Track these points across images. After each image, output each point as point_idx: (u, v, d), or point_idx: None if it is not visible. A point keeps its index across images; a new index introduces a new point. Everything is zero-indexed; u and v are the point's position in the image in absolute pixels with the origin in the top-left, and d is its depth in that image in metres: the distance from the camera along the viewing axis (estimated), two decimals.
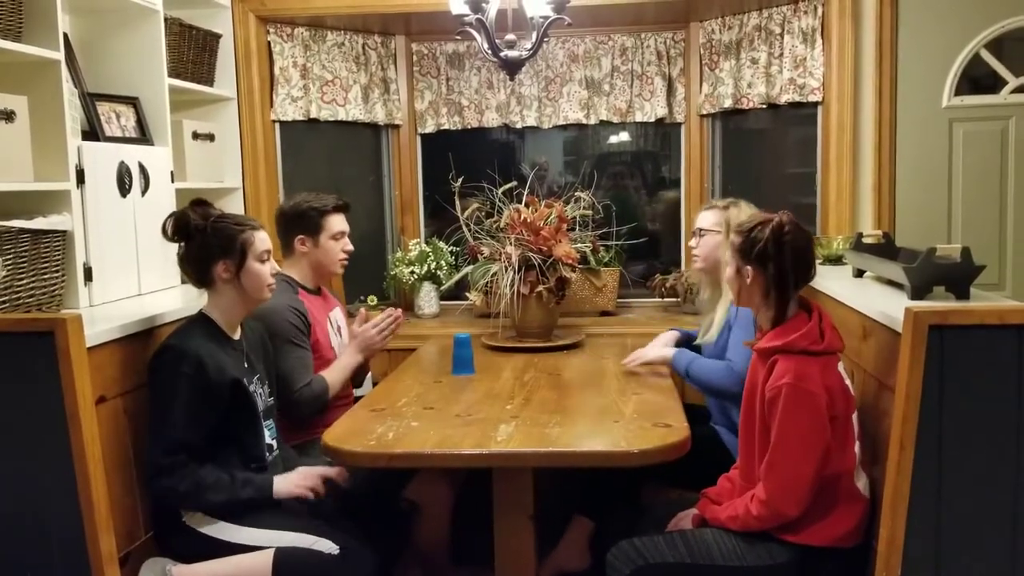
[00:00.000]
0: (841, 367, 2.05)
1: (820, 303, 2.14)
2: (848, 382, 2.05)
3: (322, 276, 2.86)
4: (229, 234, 2.22)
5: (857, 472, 2.04)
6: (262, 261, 2.26)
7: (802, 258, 2.07)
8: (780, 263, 2.04)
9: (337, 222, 2.80)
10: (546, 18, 2.90)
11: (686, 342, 2.86)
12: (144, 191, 2.80)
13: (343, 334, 2.91)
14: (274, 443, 2.36)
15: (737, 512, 2.05)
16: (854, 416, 2.04)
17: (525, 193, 3.24)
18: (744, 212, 2.70)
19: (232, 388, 2.18)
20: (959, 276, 2.22)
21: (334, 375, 2.69)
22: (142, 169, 2.80)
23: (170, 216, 2.24)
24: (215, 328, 2.24)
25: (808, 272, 2.09)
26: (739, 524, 2.04)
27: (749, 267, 2.07)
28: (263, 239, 2.28)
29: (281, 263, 2.85)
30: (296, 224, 2.77)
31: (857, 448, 2.04)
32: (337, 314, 2.92)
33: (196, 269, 2.25)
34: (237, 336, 2.31)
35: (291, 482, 2.22)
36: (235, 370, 2.20)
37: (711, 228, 2.71)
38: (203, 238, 2.21)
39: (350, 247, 2.85)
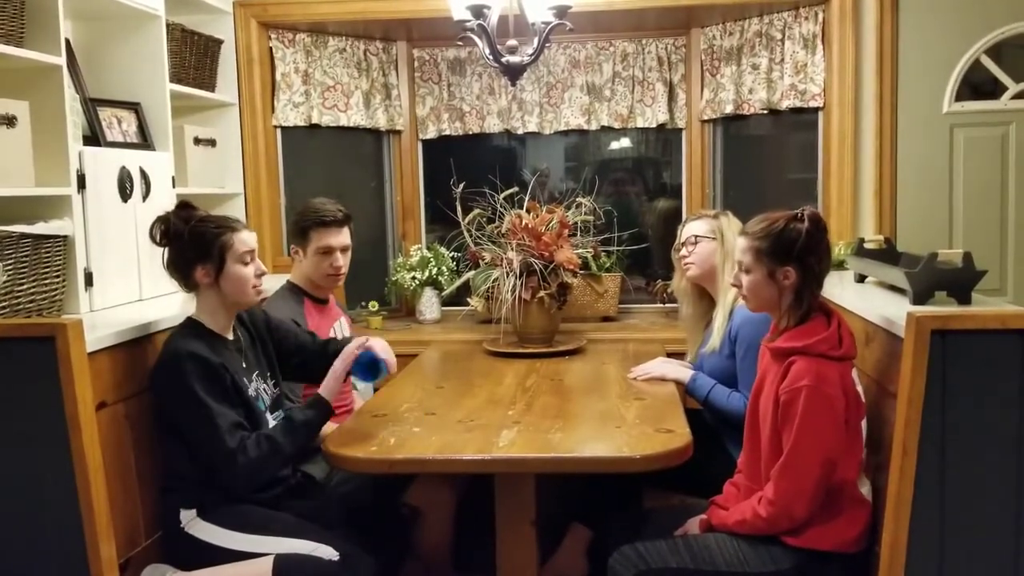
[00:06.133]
0: (855, 373, 2.04)
1: None
2: (860, 388, 2.04)
3: (319, 288, 2.83)
4: (207, 238, 2.19)
5: (861, 478, 2.03)
6: (244, 263, 2.21)
7: (829, 247, 2.08)
8: (820, 254, 2.04)
9: (324, 236, 2.73)
10: (547, 24, 2.91)
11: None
12: (145, 196, 2.80)
13: None
14: None
15: (744, 516, 2.04)
16: (863, 422, 2.03)
17: (526, 198, 3.24)
18: (733, 221, 2.71)
19: (232, 379, 2.17)
20: (961, 281, 2.22)
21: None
22: (143, 174, 2.80)
23: (155, 220, 2.22)
24: (205, 331, 2.22)
25: (830, 262, 2.10)
26: (746, 528, 2.03)
27: (789, 267, 2.02)
28: (244, 240, 2.22)
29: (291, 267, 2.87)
30: (291, 232, 2.81)
31: (864, 454, 2.03)
32: (342, 324, 2.92)
33: (179, 274, 2.23)
34: (231, 336, 2.30)
35: (333, 387, 2.26)
36: (231, 367, 2.20)
37: (706, 235, 2.71)
38: (181, 242, 2.19)
39: (339, 263, 2.76)
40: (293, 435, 2.15)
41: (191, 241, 2.18)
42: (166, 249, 2.22)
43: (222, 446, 2.06)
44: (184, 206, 2.24)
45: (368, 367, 2.28)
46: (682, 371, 2.71)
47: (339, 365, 2.26)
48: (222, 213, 2.32)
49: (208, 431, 2.07)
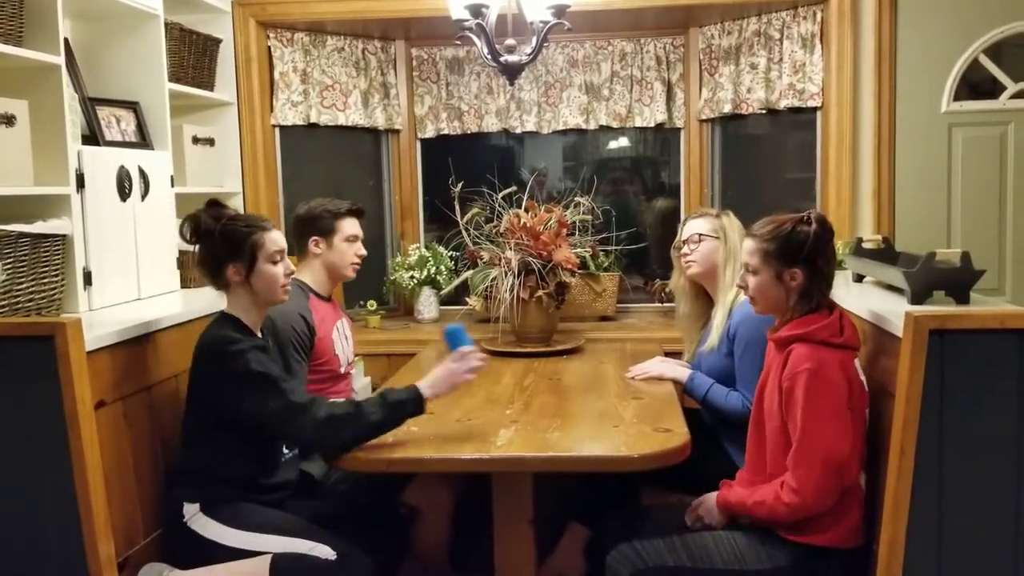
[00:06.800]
0: (857, 363, 2.04)
1: None
2: (863, 378, 2.04)
3: (334, 279, 2.86)
4: (238, 237, 2.20)
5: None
6: (274, 262, 2.24)
7: (835, 248, 2.09)
8: (828, 254, 2.04)
9: (350, 225, 2.81)
10: (546, 23, 2.91)
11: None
12: (144, 196, 2.80)
13: (349, 344, 2.90)
14: None
15: (765, 498, 2.00)
16: (866, 412, 2.04)
17: (525, 198, 3.24)
18: (734, 221, 2.70)
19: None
20: (959, 281, 2.22)
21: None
22: (142, 173, 2.80)
23: (185, 219, 2.23)
24: (241, 325, 2.23)
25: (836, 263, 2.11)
26: (765, 510, 2.00)
27: (797, 269, 2.03)
28: (274, 239, 2.25)
29: (296, 267, 2.87)
30: (310, 226, 2.79)
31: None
32: (344, 324, 2.92)
33: (210, 272, 2.24)
34: (259, 336, 2.31)
35: (442, 380, 2.17)
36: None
37: (710, 234, 2.70)
38: (212, 241, 2.20)
39: (363, 252, 2.85)
40: (383, 409, 2.08)
41: (222, 240, 2.19)
42: (196, 247, 2.24)
43: (295, 402, 2.05)
44: (214, 204, 2.26)
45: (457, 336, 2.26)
46: (680, 370, 2.71)
47: (452, 384, 2.19)
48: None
49: (276, 395, 2.06)
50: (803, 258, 2.02)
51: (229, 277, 2.21)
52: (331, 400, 2.11)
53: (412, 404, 2.12)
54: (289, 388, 2.08)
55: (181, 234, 2.23)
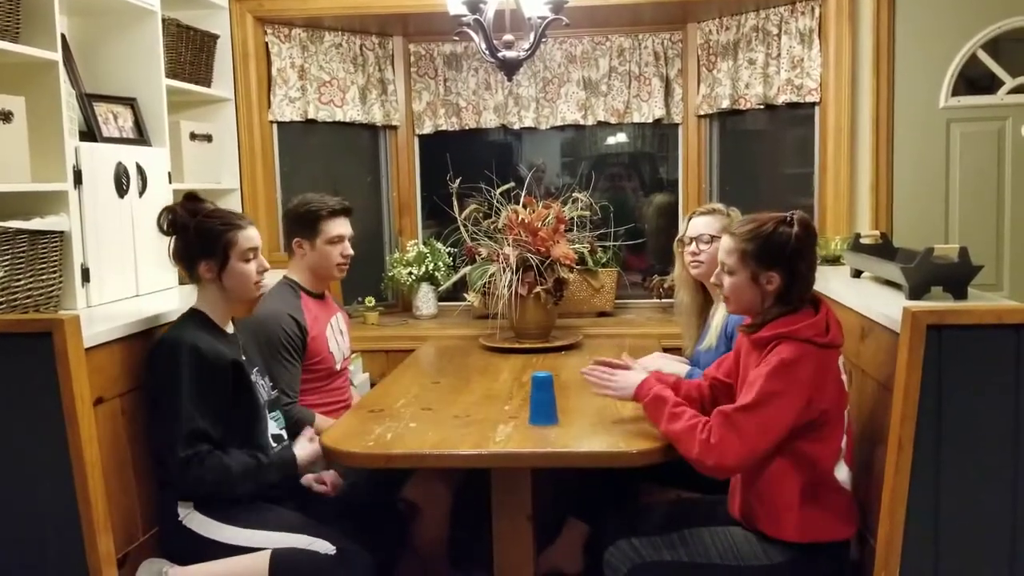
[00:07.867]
0: (840, 362, 2.04)
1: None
2: (844, 377, 2.04)
3: (321, 279, 2.83)
4: (212, 235, 2.20)
5: (838, 465, 2.03)
6: (246, 260, 2.24)
7: (816, 250, 2.06)
8: (810, 258, 2.01)
9: (334, 226, 2.75)
10: (544, 19, 2.90)
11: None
12: (142, 192, 2.80)
13: (344, 340, 2.90)
14: (283, 433, 2.36)
15: (681, 437, 1.97)
16: (846, 412, 2.03)
17: (523, 194, 3.24)
18: (737, 218, 2.68)
19: (233, 370, 2.18)
20: (957, 276, 2.22)
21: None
22: (140, 170, 2.79)
23: (162, 211, 2.25)
24: (208, 320, 2.24)
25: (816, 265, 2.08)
26: (673, 436, 1.99)
27: (774, 272, 1.99)
28: (248, 237, 2.24)
29: (286, 263, 2.86)
30: (294, 226, 2.76)
31: (843, 443, 2.03)
32: (339, 320, 2.91)
33: (184, 266, 2.26)
34: (231, 330, 2.32)
35: (309, 457, 2.26)
36: (233, 356, 2.20)
37: (719, 234, 2.67)
38: (187, 236, 2.21)
39: (349, 252, 2.79)
40: (252, 482, 2.15)
41: (196, 236, 2.20)
42: (172, 239, 2.24)
43: (178, 449, 2.06)
44: (191, 198, 2.26)
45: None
46: (678, 366, 2.71)
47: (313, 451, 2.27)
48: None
49: (171, 427, 2.08)
50: (783, 261, 1.99)
51: (201, 273, 2.22)
52: (209, 456, 2.09)
53: (279, 471, 2.22)
54: (185, 430, 2.06)
55: (158, 225, 2.24)
